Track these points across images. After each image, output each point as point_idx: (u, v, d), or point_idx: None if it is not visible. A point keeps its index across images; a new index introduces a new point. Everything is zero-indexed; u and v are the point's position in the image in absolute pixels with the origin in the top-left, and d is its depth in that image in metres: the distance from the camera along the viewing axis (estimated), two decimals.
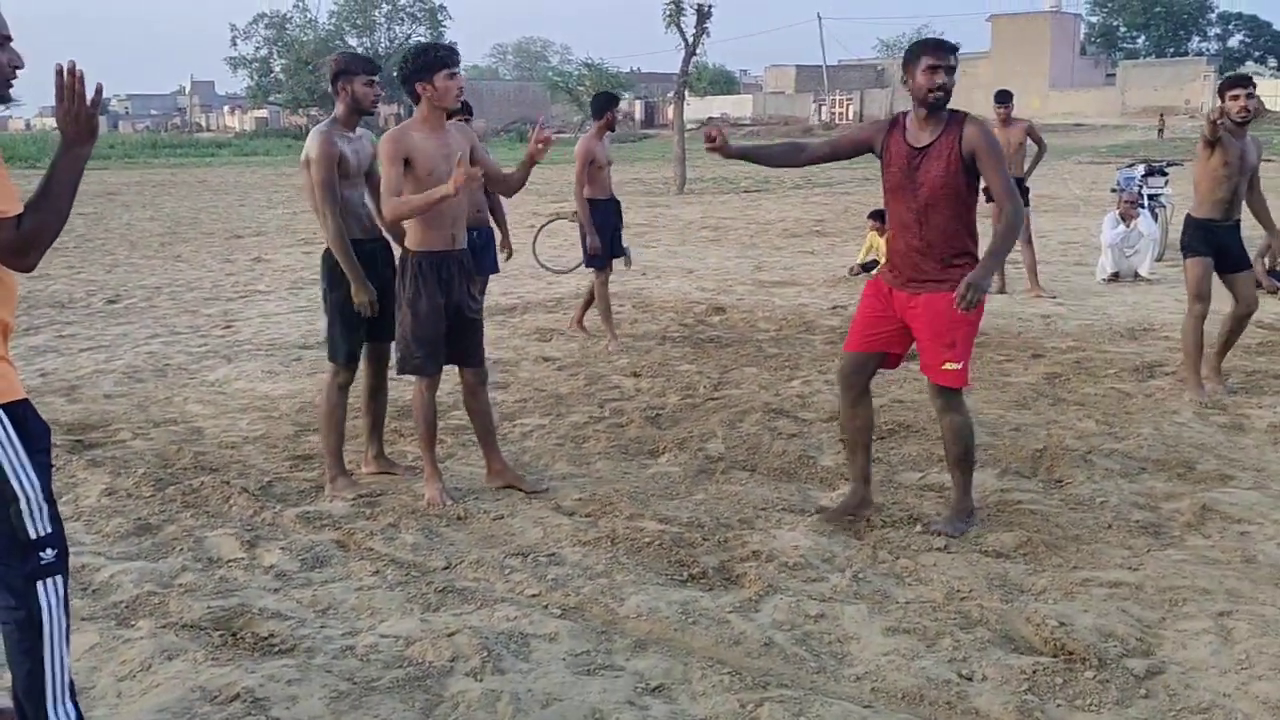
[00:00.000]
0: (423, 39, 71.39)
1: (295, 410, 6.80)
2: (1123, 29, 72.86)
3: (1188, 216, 6.98)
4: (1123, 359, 7.83)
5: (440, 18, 73.65)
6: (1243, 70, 63.67)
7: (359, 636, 3.77)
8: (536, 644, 3.70)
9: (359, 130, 5.26)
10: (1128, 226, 11.58)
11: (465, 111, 6.90)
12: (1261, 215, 6.94)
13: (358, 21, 73.65)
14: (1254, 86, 6.78)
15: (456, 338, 5.09)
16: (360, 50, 72.83)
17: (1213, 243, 6.85)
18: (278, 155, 48.73)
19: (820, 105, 66.33)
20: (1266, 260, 10.46)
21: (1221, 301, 6.99)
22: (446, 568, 4.37)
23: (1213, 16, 71.97)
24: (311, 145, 5.05)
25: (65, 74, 2.61)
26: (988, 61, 64.40)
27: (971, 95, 59.80)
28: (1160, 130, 42.98)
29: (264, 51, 74.40)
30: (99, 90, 2.68)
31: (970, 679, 3.46)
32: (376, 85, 5.20)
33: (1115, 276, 11.57)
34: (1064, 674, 3.46)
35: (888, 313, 4.72)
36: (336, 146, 5.04)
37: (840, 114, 65.15)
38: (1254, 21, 71.23)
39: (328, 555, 4.50)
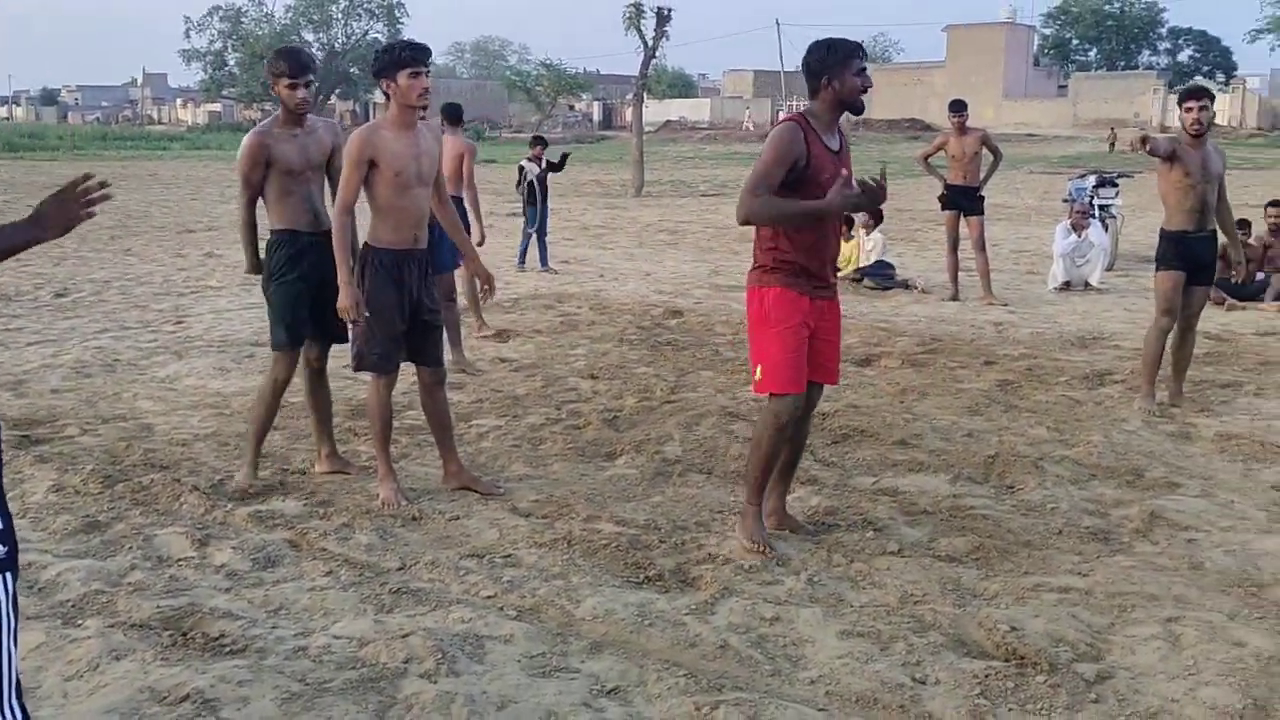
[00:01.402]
0: (380, 36, 70.99)
1: (247, 408, 6.70)
2: (1075, 41, 73.88)
3: (1161, 230, 6.93)
4: (1073, 367, 7.93)
5: (398, 14, 73.26)
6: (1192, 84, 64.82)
7: (312, 637, 3.73)
8: (491, 646, 3.69)
9: (315, 121, 5.22)
10: (1079, 236, 11.75)
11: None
12: (1226, 225, 6.98)
13: (314, 16, 73.10)
14: (1209, 99, 6.76)
15: (414, 337, 5.06)
16: (316, 46, 72.38)
17: (1186, 255, 6.80)
18: (231, 149, 47.96)
19: (779, 110, 66.64)
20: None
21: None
22: (401, 569, 4.34)
23: (1163, 31, 73.18)
24: (242, 145, 5.15)
25: (96, 184, 2.72)
26: (943, 71, 65.08)
27: (927, 103, 60.75)
28: (1111, 144, 43.53)
29: (218, 45, 73.69)
30: (99, 200, 2.75)
31: (923, 682, 3.48)
32: (303, 88, 5.06)
33: (1066, 285, 11.73)
34: (1015, 678, 3.50)
35: (807, 331, 4.44)
36: (263, 147, 5.03)
37: None
38: (1203, 36, 72.50)
39: (280, 555, 4.45)
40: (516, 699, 3.37)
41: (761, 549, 4.44)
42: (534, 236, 13.07)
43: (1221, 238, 7.07)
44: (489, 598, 4.07)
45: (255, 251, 5.32)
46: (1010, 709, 3.34)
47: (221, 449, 5.88)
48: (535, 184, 13.04)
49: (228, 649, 3.65)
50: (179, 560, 4.39)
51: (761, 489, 4.60)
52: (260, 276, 5.29)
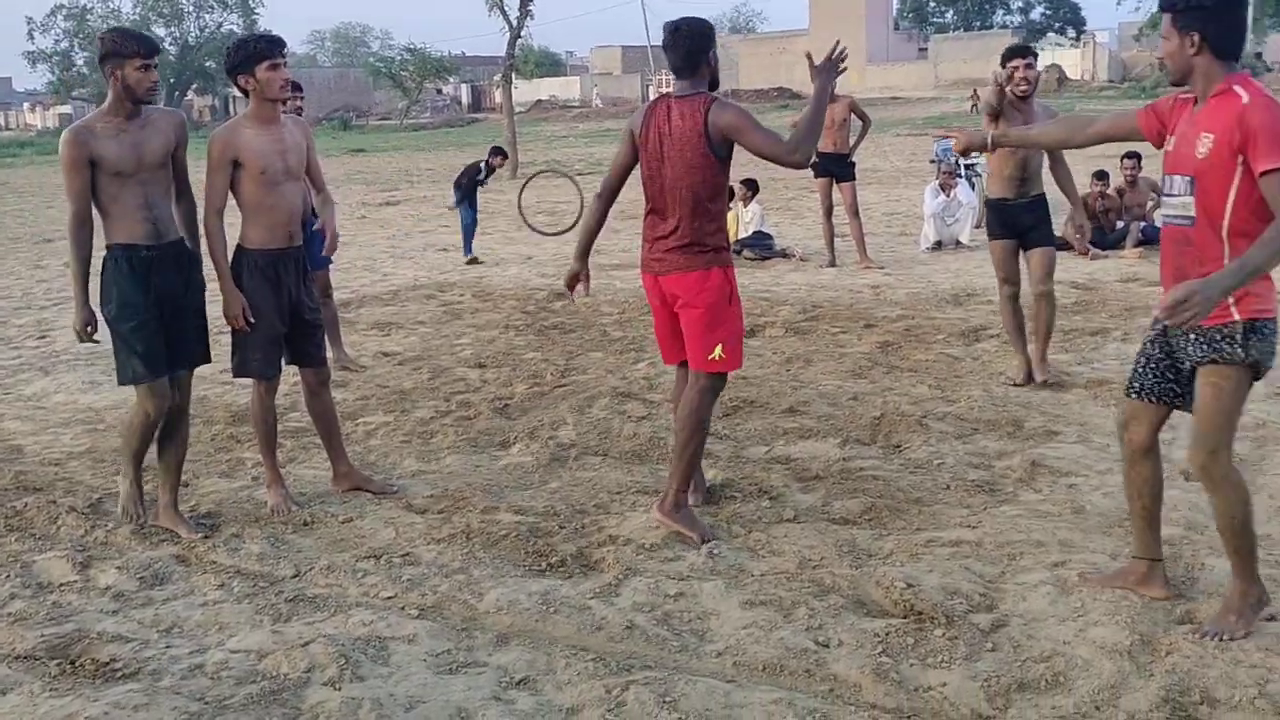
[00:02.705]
0: (235, 27, 68.99)
1: (118, 435, 6.48)
2: (932, 4, 75.44)
3: (986, 199, 6.73)
4: (950, 325, 8.13)
5: (253, 4, 71.25)
6: (1045, 40, 66.69)
7: (207, 654, 3.63)
8: (395, 647, 3.64)
9: (150, 112, 4.52)
10: (947, 196, 12.04)
11: (295, 89, 6.71)
12: (1067, 188, 6.67)
13: (164, 10, 70.64)
14: (1034, 57, 6.41)
15: (296, 338, 4.93)
16: (169, 41, 69.97)
17: (1009, 222, 6.53)
18: None
19: (649, 85, 66.68)
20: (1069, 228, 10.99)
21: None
22: (296, 576, 4.24)
23: None
24: (60, 145, 4.41)
25: None
26: (807, 38, 65.67)
27: (793, 71, 61.36)
28: (974, 105, 44.56)
29: (64, 44, 70.78)
30: None
31: (827, 646, 3.55)
32: (155, 69, 4.44)
33: (938, 245, 12.01)
34: (915, 634, 3.59)
35: None
36: (84, 148, 4.37)
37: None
38: None
39: (168, 571, 4.32)
40: (425, 698, 3.33)
41: (707, 540, 4.38)
42: (470, 227, 13.00)
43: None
44: (389, 598, 4.02)
45: (86, 294, 4.57)
46: (912, 664, 3.42)
47: (97, 466, 5.67)
48: (477, 185, 13.08)
49: (120, 673, 3.54)
50: (61, 585, 4.23)
51: (692, 475, 4.59)
52: (88, 325, 4.64)
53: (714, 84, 4.47)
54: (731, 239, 11.66)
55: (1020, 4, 74.49)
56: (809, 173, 11.87)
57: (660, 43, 4.54)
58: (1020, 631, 3.59)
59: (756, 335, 8.11)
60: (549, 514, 4.74)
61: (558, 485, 5.15)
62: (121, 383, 4.76)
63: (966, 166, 13.49)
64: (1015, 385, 6.46)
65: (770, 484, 5.02)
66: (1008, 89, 6.32)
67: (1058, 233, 11.57)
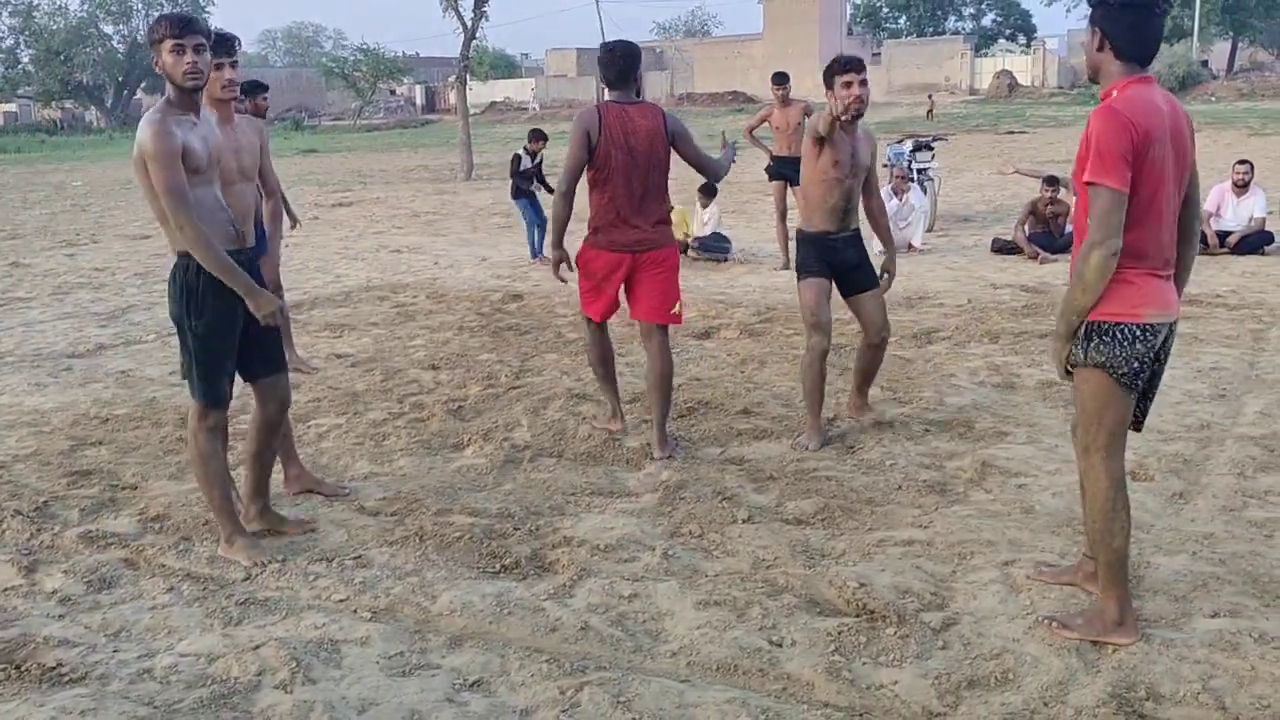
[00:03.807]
0: None
1: (69, 424, 6.38)
2: (885, 9, 76.20)
3: (799, 232, 5.71)
4: (902, 327, 8.19)
5: (203, 3, 70.51)
6: (996, 47, 67.44)
7: (156, 658, 3.59)
8: (348, 649, 3.61)
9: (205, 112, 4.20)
10: (900, 200, 12.13)
11: (261, 90, 6.66)
12: (880, 225, 5.87)
13: (112, 8, 69.69)
14: (866, 72, 5.35)
15: (250, 340, 4.86)
16: (117, 39, 69.05)
17: (829, 260, 5.59)
18: (31, 152, 45.64)
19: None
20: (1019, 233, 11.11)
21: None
22: (247, 579, 4.20)
23: None
24: (145, 137, 3.95)
25: None
26: (762, 43, 66.20)
27: (748, 76, 61.73)
28: (930, 111, 44.79)
29: (9, 42, 69.71)
30: None
31: (780, 645, 3.57)
32: (192, 52, 3.98)
33: None
34: (867, 632, 3.62)
35: None
36: (176, 138, 3.96)
37: None
38: (1005, 1, 75.69)
39: (116, 575, 4.26)
40: (377, 701, 3.31)
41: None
42: (537, 226, 12.61)
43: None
44: (341, 601, 3.99)
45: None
46: (864, 662, 3.45)
47: (43, 469, 5.58)
48: (534, 176, 12.64)
49: (67, 678, 3.49)
50: (6, 589, 4.15)
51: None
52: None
53: (638, 94, 5.48)
54: (690, 236, 11.76)
55: (972, 11, 75.51)
56: (763, 177, 11.94)
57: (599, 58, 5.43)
58: (971, 629, 3.63)
59: (711, 337, 8.14)
60: (503, 516, 4.73)
61: (512, 487, 5.14)
62: (203, 399, 4.30)
63: (919, 170, 13.62)
64: (807, 450, 5.53)
65: (725, 485, 5.04)
66: (833, 114, 5.32)
67: (1008, 237, 11.75)
